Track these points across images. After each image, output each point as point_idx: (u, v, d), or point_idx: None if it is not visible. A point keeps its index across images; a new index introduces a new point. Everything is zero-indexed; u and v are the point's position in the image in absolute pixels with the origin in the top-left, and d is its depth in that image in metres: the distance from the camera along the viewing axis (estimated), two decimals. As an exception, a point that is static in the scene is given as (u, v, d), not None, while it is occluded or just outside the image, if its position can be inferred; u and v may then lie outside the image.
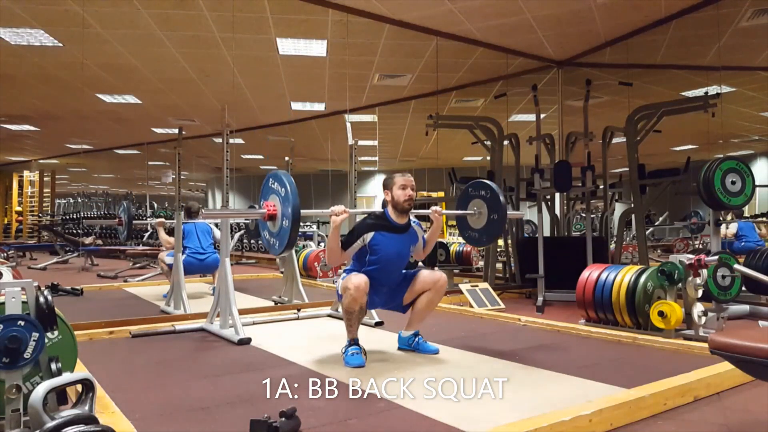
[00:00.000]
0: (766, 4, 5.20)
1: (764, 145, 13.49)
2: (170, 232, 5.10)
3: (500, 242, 6.35)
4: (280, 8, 5.36)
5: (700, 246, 10.02)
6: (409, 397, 2.28)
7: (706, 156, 9.57)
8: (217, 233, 5.44)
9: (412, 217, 3.12)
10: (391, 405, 2.20)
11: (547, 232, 6.00)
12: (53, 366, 1.79)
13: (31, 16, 5.48)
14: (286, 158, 5.22)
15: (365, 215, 3.09)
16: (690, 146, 12.47)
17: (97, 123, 10.60)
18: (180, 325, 3.79)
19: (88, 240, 10.82)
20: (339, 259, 3.00)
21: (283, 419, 1.83)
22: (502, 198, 3.22)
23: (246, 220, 9.23)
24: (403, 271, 3.13)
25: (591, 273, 3.80)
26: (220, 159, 3.87)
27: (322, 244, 9.78)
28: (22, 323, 1.71)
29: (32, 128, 11.22)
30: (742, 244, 7.60)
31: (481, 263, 7.54)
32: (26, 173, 16.26)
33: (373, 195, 16.61)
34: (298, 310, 4.32)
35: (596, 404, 1.99)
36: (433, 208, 3.13)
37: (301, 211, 2.59)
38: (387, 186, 3.07)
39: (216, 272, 5.36)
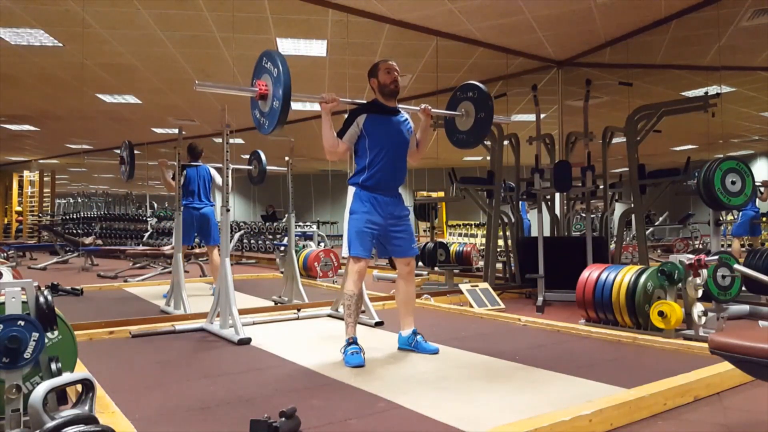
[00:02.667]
0: (766, 4, 5.20)
1: (764, 145, 13.50)
2: (176, 180, 4.99)
3: (500, 242, 6.34)
4: (280, 8, 5.36)
5: (700, 246, 10.03)
6: (409, 397, 2.28)
7: (706, 156, 9.57)
8: (218, 179, 5.44)
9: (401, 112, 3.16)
10: (391, 405, 2.20)
11: (547, 232, 6.00)
12: (53, 366, 1.79)
13: (31, 16, 5.48)
14: (286, 158, 5.21)
15: (356, 105, 3.10)
16: (690, 146, 12.47)
17: (97, 123, 10.60)
18: (180, 325, 3.79)
19: (88, 240, 10.82)
20: (336, 149, 2.98)
21: (283, 419, 1.83)
22: (489, 97, 3.26)
23: (245, 222, 9.23)
24: (408, 223, 3.16)
25: (591, 273, 3.80)
26: (220, 159, 3.86)
27: (323, 244, 9.78)
28: (22, 323, 1.71)
29: (32, 128, 11.22)
30: (739, 214, 7.64)
31: (481, 263, 7.53)
32: (26, 173, 16.26)
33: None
34: (298, 310, 4.32)
35: (596, 404, 1.98)
36: (422, 105, 3.16)
37: (292, 93, 2.58)
38: (372, 74, 3.10)
39: (213, 260, 5.36)
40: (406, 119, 3.16)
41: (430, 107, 3.16)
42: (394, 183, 3.08)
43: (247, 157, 5.59)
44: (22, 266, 8.92)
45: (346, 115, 3.10)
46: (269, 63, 2.72)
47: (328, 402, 2.25)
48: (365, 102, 3.10)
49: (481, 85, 3.31)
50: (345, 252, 3.02)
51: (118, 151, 14.67)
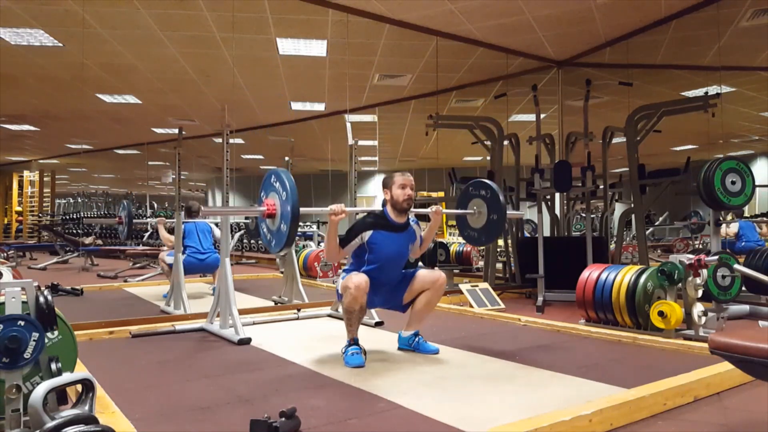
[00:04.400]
0: (766, 4, 5.20)
1: (764, 145, 13.48)
2: (171, 231, 5.15)
3: (500, 242, 6.34)
4: (280, 8, 5.36)
5: (700, 246, 10.03)
6: (410, 397, 2.28)
7: (706, 156, 9.56)
8: (217, 233, 5.47)
9: (411, 216, 3.13)
10: (391, 405, 2.20)
11: (547, 232, 6.00)
12: (53, 366, 1.79)
13: (31, 16, 5.48)
14: (286, 158, 5.22)
15: (364, 214, 3.09)
16: (690, 146, 12.47)
17: (97, 123, 10.60)
18: (180, 325, 3.79)
19: (88, 240, 10.83)
20: (338, 257, 3.01)
21: (283, 419, 1.83)
22: (501, 198, 3.22)
23: (246, 219, 9.25)
24: (402, 271, 3.14)
25: (591, 273, 3.80)
26: (220, 159, 3.87)
27: (322, 244, 9.78)
28: (22, 323, 1.71)
29: (32, 128, 11.22)
30: (743, 243, 7.59)
31: (481, 263, 7.54)
32: (26, 173, 16.26)
33: (373, 195, 16.61)
34: (298, 310, 4.32)
35: (596, 404, 1.98)
36: (433, 207, 3.14)
37: (300, 208, 2.57)
38: (386, 185, 3.07)
39: (216, 272, 5.38)
40: (414, 231, 3.11)
41: (441, 209, 3.13)
42: (389, 282, 3.08)
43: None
44: (22, 266, 8.92)
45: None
46: (278, 183, 2.68)
47: (328, 402, 2.25)
48: (374, 213, 3.04)
49: (493, 185, 3.26)
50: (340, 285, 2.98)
51: (118, 151, 14.61)
